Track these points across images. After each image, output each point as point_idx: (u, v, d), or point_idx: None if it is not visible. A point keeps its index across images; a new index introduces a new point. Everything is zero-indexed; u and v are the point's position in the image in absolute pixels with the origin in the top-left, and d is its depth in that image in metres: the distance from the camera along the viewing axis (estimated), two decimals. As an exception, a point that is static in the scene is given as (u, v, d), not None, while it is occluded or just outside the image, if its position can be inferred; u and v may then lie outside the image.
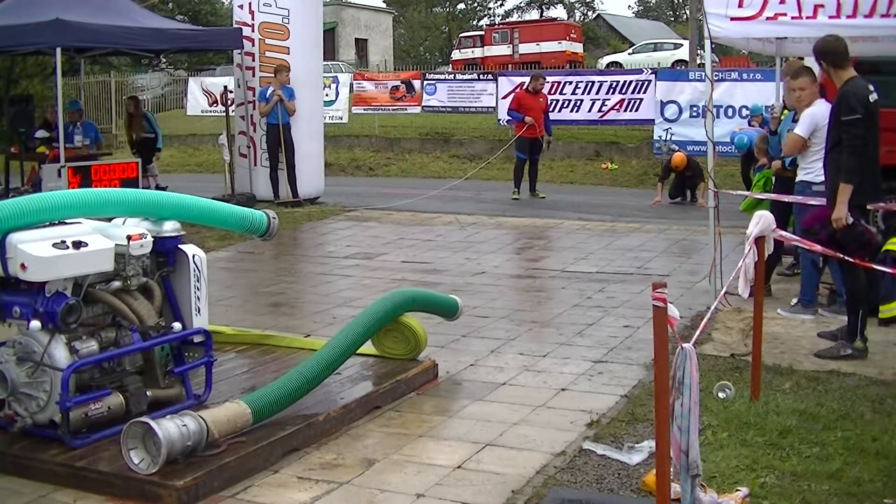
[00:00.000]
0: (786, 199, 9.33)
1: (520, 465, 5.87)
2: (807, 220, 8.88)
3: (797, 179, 9.32)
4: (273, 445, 5.92)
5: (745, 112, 20.75)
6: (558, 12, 79.03)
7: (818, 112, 9.03)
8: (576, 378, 7.64)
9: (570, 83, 25.10)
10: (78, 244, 5.82)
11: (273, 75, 18.03)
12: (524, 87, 21.31)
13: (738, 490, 5.21)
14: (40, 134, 18.08)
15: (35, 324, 5.72)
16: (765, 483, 5.42)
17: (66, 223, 6.03)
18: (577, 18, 76.78)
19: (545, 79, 20.87)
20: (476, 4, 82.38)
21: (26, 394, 5.80)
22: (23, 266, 5.60)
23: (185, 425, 5.47)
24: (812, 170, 9.13)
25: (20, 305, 5.81)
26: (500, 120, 26.03)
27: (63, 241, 5.77)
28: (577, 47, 50.90)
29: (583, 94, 24.79)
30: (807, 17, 9.07)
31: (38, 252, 5.63)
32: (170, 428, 5.40)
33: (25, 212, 5.70)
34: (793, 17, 9.13)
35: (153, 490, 5.28)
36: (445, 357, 8.03)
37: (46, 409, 5.77)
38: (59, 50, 15.14)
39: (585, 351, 8.42)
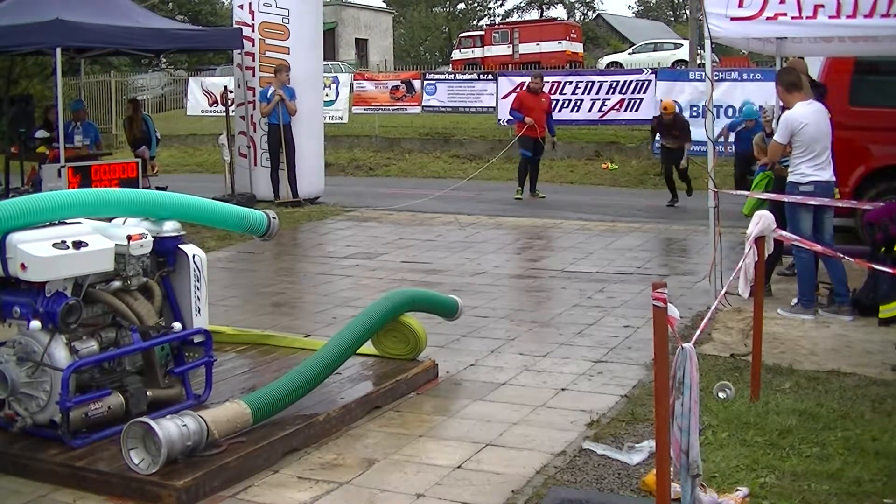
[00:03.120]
0: (785, 198, 9.33)
1: (520, 465, 5.87)
2: (875, 213, 8.99)
3: (787, 180, 9.37)
4: (273, 445, 5.92)
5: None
6: (558, 12, 79.19)
7: (794, 116, 9.12)
8: (576, 378, 7.63)
9: (570, 83, 25.07)
10: (78, 244, 5.82)
11: (273, 75, 18.03)
12: (525, 87, 21.32)
13: (738, 490, 5.21)
14: (40, 134, 18.03)
15: (35, 324, 5.72)
16: (765, 483, 5.43)
17: (67, 223, 6.03)
18: (577, 18, 76.81)
19: (542, 78, 20.81)
20: (476, 4, 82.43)
21: (26, 394, 5.80)
22: (23, 266, 5.60)
23: (185, 425, 5.47)
24: (797, 171, 9.21)
25: (20, 305, 5.82)
26: (500, 120, 26.03)
27: (63, 241, 5.77)
28: (578, 47, 50.91)
29: (583, 94, 24.76)
30: (807, 17, 9.07)
31: (39, 252, 5.63)
32: (170, 428, 5.40)
33: (26, 212, 5.71)
34: (793, 17, 9.13)
35: (153, 490, 5.28)
36: (445, 357, 8.03)
37: (46, 408, 5.77)
38: (59, 50, 15.12)
39: (585, 351, 8.42)
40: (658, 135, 19.51)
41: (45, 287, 5.76)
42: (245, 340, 8.27)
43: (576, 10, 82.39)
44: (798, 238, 8.07)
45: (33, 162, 17.52)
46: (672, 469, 4.62)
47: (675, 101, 19.23)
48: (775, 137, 9.31)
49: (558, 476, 5.68)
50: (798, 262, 9.55)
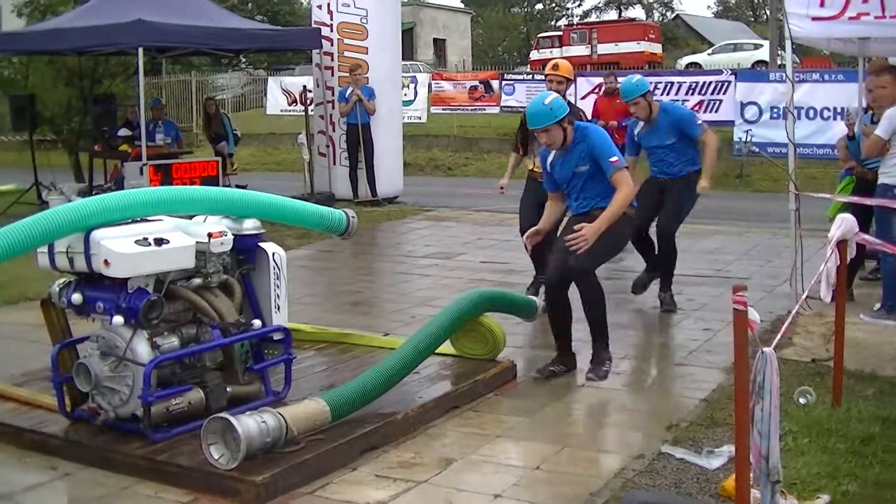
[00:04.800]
0: (868, 202, 9.17)
1: (598, 468, 5.85)
2: None
3: (878, 182, 9.17)
4: (351, 443, 5.94)
5: (826, 114, 20.53)
6: (637, 13, 78.67)
7: None
8: (655, 381, 7.59)
9: (650, 84, 24.87)
10: (160, 241, 5.89)
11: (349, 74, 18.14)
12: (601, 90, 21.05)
13: (819, 497, 5.14)
14: (123, 132, 18.36)
15: (118, 319, 5.80)
16: (846, 491, 5.33)
17: (149, 220, 6.11)
18: (656, 19, 76.25)
19: (616, 77, 20.27)
20: (554, 4, 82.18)
21: (109, 388, 5.89)
22: (106, 262, 5.68)
23: (264, 421, 5.51)
24: (892, 174, 8.98)
25: (103, 301, 5.90)
26: (578, 120, 25.94)
27: (145, 238, 5.84)
28: (656, 48, 50.49)
29: (662, 94, 24.51)
30: (891, 17, 8.86)
31: (121, 248, 5.70)
32: (249, 424, 5.44)
33: (109, 209, 5.79)
34: (876, 17, 8.93)
35: (232, 485, 5.34)
36: (524, 357, 8.00)
37: (129, 403, 5.86)
38: (140, 50, 15.33)
39: (665, 353, 8.36)
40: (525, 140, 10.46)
41: (128, 283, 5.84)
42: (324, 338, 8.32)
43: (654, 11, 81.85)
44: (880, 242, 7.92)
45: (116, 160, 17.83)
46: (752, 475, 4.57)
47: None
48: (877, 132, 9.00)
49: (636, 479, 5.64)
50: (884, 267, 9.38)
